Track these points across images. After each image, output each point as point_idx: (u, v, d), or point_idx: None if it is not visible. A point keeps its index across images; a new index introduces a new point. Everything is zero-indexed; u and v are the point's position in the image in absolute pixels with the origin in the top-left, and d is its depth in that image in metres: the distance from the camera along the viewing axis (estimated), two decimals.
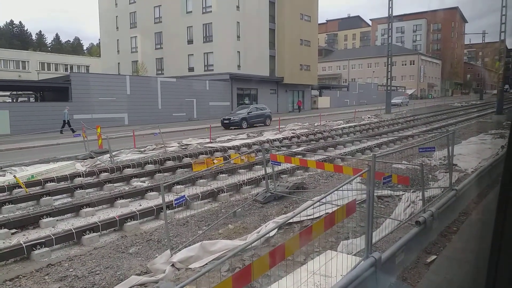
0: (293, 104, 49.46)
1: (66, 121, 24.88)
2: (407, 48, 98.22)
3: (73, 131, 22.49)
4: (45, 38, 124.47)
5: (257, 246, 5.70)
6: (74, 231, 5.93)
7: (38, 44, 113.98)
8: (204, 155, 13.81)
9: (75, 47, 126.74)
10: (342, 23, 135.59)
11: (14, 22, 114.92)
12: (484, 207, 7.87)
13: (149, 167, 11.86)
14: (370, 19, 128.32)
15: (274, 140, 17.92)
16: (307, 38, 48.69)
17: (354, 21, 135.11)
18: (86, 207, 7.49)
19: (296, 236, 3.86)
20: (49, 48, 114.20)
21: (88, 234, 6.03)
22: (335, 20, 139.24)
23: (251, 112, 28.13)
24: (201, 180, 9.74)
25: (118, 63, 50.10)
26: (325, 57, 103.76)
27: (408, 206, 7.82)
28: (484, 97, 72.99)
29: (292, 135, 19.97)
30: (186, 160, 12.94)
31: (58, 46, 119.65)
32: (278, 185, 8.68)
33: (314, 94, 55.41)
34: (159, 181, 10.18)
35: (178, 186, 9.13)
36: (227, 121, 26.97)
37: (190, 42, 42.92)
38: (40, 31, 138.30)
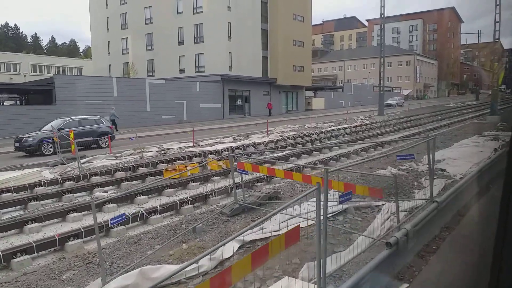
0: (286, 105, 48.83)
1: (113, 121, 25.74)
2: (403, 49, 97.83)
3: (116, 130, 24.00)
4: (40, 40, 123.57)
5: (208, 271, 5.01)
6: (1, 253, 5.20)
7: (33, 46, 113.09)
8: (181, 161, 13.11)
9: (71, 49, 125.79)
10: (338, 23, 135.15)
11: (9, 25, 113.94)
12: (469, 219, 7.23)
13: (119, 174, 11.15)
14: (366, 20, 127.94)
15: (260, 143, 17.24)
16: (300, 38, 48.06)
17: (350, 22, 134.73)
18: (32, 223, 6.78)
19: (247, 257, 3.21)
20: (45, 51, 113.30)
21: (19, 256, 5.31)
22: (331, 20, 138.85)
23: (66, 128, 16.36)
24: (169, 190, 9.04)
25: (110, 65, 49.36)
26: (321, 58, 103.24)
27: (388, 218, 7.15)
28: (480, 97, 72.57)
29: (280, 138, 19.30)
30: (162, 166, 12.23)
31: (54, 49, 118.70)
32: (249, 195, 7.99)
33: (308, 96, 54.79)
34: (125, 190, 9.48)
35: (142, 197, 8.43)
36: (18, 144, 16.30)
37: (181, 43, 42.25)
38: (36, 34, 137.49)
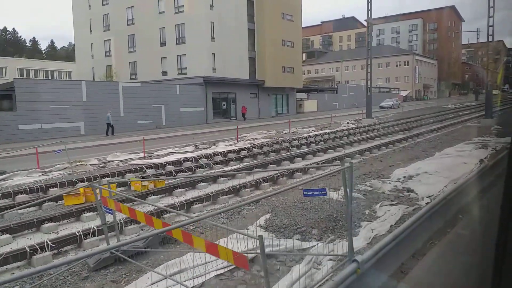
0: (276, 108, 46.88)
1: (111, 124, 26.96)
2: (402, 49, 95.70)
3: (113, 134, 26.82)
4: (39, 44, 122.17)
5: None
6: None
7: (32, 50, 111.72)
8: (107, 178, 11.16)
9: (70, 53, 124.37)
10: (337, 24, 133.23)
11: (8, 29, 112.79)
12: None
13: (20, 198, 9.22)
14: (365, 20, 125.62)
15: (223, 152, 15.27)
16: (290, 38, 46.12)
17: (349, 22, 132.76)
18: None
19: None
20: (44, 55, 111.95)
21: None
22: (329, 21, 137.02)
23: None
24: (49, 224, 7.08)
25: (93, 68, 47.60)
26: (318, 59, 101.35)
27: (308, 271, 5.17)
28: (481, 97, 70.35)
29: (248, 146, 17.35)
30: (83, 185, 10.27)
31: (53, 53, 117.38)
32: (132, 236, 6.04)
33: (300, 98, 52.82)
34: (10, 221, 7.54)
35: (6, 235, 6.48)
36: None
37: (163, 44, 40.43)
38: (34, 37, 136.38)
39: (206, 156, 14.53)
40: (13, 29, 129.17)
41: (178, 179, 9.78)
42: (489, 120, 23.17)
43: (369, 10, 30.33)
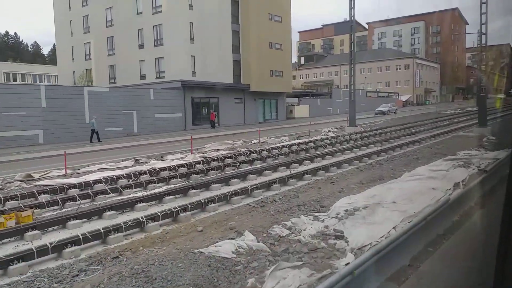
0: (264, 114, 44.52)
1: (95, 131, 26.14)
2: (402, 52, 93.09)
3: (99, 140, 26.13)
4: (41, 48, 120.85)
5: None
6: None
7: (34, 55, 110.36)
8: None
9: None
10: (338, 27, 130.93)
11: (9, 34, 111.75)
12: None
13: None
14: (367, 23, 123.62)
15: (163, 168, 12.94)
16: (278, 41, 43.81)
17: (350, 26, 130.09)
18: None
19: None
20: (47, 59, 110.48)
21: None
22: (331, 24, 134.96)
23: None
24: None
25: (74, 71, 45.63)
26: (317, 63, 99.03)
27: None
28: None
29: (200, 159, 15.02)
30: None
31: (54, 57, 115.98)
32: None
33: (291, 103, 50.42)
34: None
35: None
36: None
37: (141, 46, 38.32)
38: (36, 42, 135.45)
39: (135, 175, 12.19)
40: (15, 33, 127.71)
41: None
42: (482, 129, 20.64)
43: (352, 16, 28.06)
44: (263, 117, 44.30)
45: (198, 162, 14.06)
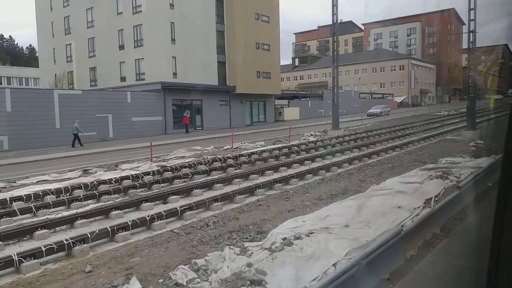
0: (251, 117, 43.10)
1: (77, 135, 25.14)
2: (398, 53, 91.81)
3: (81, 145, 25.37)
4: (36, 51, 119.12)
5: None
6: None
7: (29, 58, 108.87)
8: None
9: None
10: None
11: (4, 37, 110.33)
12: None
13: None
14: (363, 24, 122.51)
15: (107, 181, 11.51)
16: (265, 41, 42.43)
17: (346, 27, 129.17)
18: None
19: None
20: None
21: None
22: (327, 26, 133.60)
23: None
24: None
25: (55, 74, 44.16)
26: (311, 64, 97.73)
27: None
28: (480, 103, 66.39)
29: (158, 168, 13.60)
30: None
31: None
32: None
33: (281, 105, 49.00)
34: None
35: None
36: None
37: (121, 47, 36.91)
38: (31, 45, 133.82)
39: (73, 188, 10.75)
40: (10, 36, 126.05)
41: None
42: (471, 132, 19.23)
43: (335, 19, 26.69)
44: (251, 120, 42.90)
45: (148, 173, 12.61)
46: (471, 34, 20.79)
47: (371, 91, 79.41)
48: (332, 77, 26.94)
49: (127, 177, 11.95)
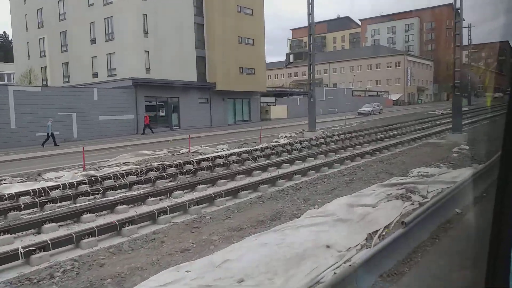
0: (234, 115, 40.96)
1: (50, 134, 23.62)
2: (393, 49, 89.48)
3: (56, 145, 23.76)
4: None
5: None
6: None
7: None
8: None
9: None
10: (331, 24, 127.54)
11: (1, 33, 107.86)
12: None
13: None
14: (360, 20, 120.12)
15: (13, 195, 9.44)
16: (249, 35, 40.22)
17: (343, 22, 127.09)
18: None
19: None
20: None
21: None
22: (323, 22, 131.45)
23: None
24: None
25: (29, 70, 42.02)
26: (305, 61, 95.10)
27: None
28: (475, 101, 64.36)
29: (82, 179, 11.53)
30: None
31: None
32: None
33: (267, 103, 46.85)
34: None
35: None
36: None
37: (93, 41, 34.71)
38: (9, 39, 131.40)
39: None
40: (4, 32, 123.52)
41: None
42: (456, 135, 17.08)
43: (310, 18, 24.52)
44: (234, 118, 40.74)
45: (58, 187, 10.48)
46: (460, 30, 18.60)
47: (366, 88, 77.17)
48: (308, 76, 24.82)
49: (27, 193, 9.80)
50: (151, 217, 7.38)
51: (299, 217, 7.44)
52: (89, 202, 9.25)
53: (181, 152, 17.55)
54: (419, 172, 11.00)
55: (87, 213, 7.75)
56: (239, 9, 38.90)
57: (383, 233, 6.44)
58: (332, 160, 12.91)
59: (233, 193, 9.14)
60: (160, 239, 6.53)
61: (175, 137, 23.87)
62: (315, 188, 9.72)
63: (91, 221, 7.57)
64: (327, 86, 79.68)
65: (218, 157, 15.01)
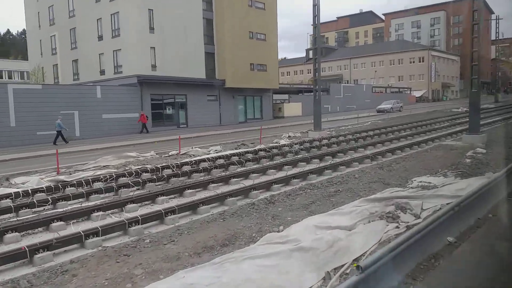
0: (245, 113, 39.70)
1: (59, 132, 23.43)
2: (416, 43, 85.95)
3: (66, 142, 23.62)
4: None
5: None
6: None
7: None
8: None
9: None
10: (353, 19, 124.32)
11: (11, 31, 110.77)
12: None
13: None
14: (383, 14, 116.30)
15: None
16: (260, 30, 38.80)
17: (366, 17, 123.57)
18: None
19: None
20: None
21: None
22: (346, 16, 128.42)
23: None
24: None
25: (42, 67, 42.05)
26: (326, 57, 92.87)
27: None
28: (506, 97, 60.84)
29: (46, 185, 10.57)
30: None
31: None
32: None
33: (280, 100, 45.35)
34: None
35: None
36: None
37: (100, 38, 34.14)
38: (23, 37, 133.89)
39: None
40: (8, 30, 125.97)
41: None
42: (473, 137, 15.24)
43: (316, 20, 22.91)
44: (245, 116, 39.49)
45: (18, 195, 9.50)
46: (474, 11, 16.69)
47: (388, 84, 74.35)
48: (313, 73, 23.18)
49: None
50: (78, 239, 6.19)
51: (256, 241, 6.11)
52: (32, 215, 8.20)
53: (170, 153, 16.43)
54: (420, 182, 9.45)
55: (12, 232, 6.65)
56: (250, 3, 37.53)
57: (347, 271, 5.03)
58: (323, 166, 11.42)
59: (193, 207, 7.87)
60: (73, 272, 5.33)
61: (179, 135, 22.79)
62: (293, 201, 8.34)
63: (13, 242, 6.46)
64: (347, 83, 77.29)
65: (204, 160, 13.79)
